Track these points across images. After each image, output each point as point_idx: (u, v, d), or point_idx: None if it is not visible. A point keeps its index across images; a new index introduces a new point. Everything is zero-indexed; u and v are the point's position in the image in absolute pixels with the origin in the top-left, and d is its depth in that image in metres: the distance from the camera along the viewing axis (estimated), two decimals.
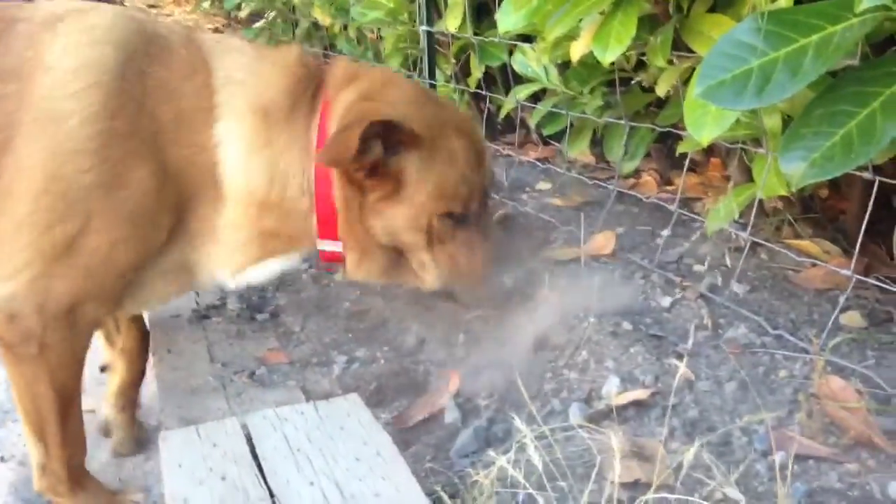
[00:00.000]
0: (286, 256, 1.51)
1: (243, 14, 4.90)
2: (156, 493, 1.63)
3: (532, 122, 2.67)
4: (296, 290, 2.19)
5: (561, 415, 1.49)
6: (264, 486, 1.24)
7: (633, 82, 2.33)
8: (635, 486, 1.28)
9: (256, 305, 2.12)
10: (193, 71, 1.38)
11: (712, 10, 1.77)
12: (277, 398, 1.73)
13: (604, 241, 2.06)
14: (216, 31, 5.26)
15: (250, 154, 1.39)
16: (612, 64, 1.93)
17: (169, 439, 1.42)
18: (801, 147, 1.31)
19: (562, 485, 1.28)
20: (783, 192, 1.72)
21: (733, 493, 1.25)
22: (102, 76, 1.31)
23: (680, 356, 1.51)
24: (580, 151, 2.57)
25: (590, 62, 1.97)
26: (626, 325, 1.65)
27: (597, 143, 2.55)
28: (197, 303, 2.14)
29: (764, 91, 1.31)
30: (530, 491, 1.21)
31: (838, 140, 1.28)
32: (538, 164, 2.64)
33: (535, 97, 2.62)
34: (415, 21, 2.93)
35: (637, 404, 1.46)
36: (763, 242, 1.79)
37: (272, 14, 4.40)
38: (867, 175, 1.49)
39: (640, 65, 2.16)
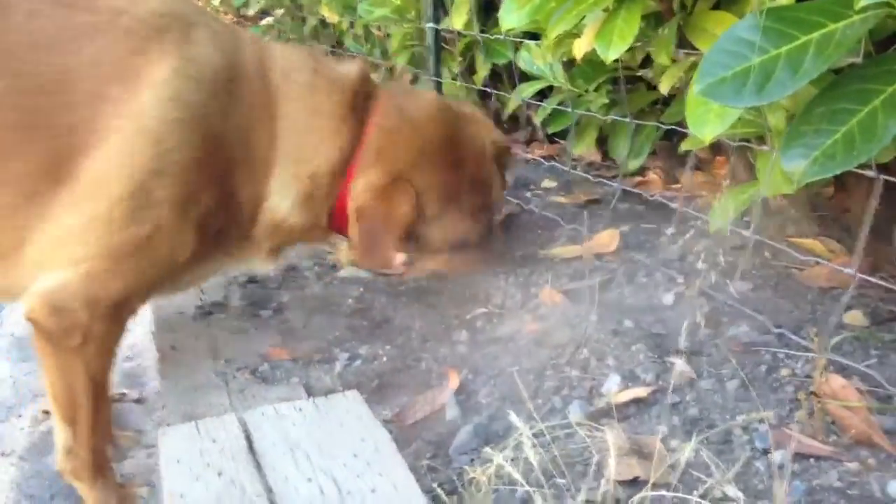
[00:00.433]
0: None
1: (252, 11, 4.91)
2: (159, 488, 1.64)
3: (537, 120, 2.67)
4: (299, 286, 2.20)
5: (561, 412, 1.49)
6: (262, 482, 1.25)
7: (638, 80, 2.33)
8: (634, 484, 1.28)
9: (260, 302, 2.13)
10: (263, 117, 1.47)
11: (716, 7, 1.76)
12: (280, 395, 1.73)
13: (607, 239, 2.06)
14: None
15: (295, 206, 1.53)
16: (617, 61, 1.93)
17: (168, 434, 1.43)
18: (802, 145, 1.30)
19: (560, 482, 1.28)
20: (787, 191, 1.71)
21: (732, 491, 1.25)
22: (192, 112, 1.36)
23: (681, 354, 1.51)
24: (585, 149, 2.57)
25: (595, 60, 1.96)
26: (628, 323, 1.65)
27: (602, 141, 2.54)
28: (201, 299, 2.15)
29: (765, 88, 1.30)
30: (528, 488, 1.21)
31: (840, 138, 1.27)
32: (543, 161, 2.64)
33: (541, 95, 2.62)
34: (421, 18, 2.93)
35: (637, 402, 1.46)
36: (766, 241, 1.78)
37: (280, 11, 4.41)
38: (871, 173, 1.48)
39: (646, 62, 2.15)
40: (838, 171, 1.27)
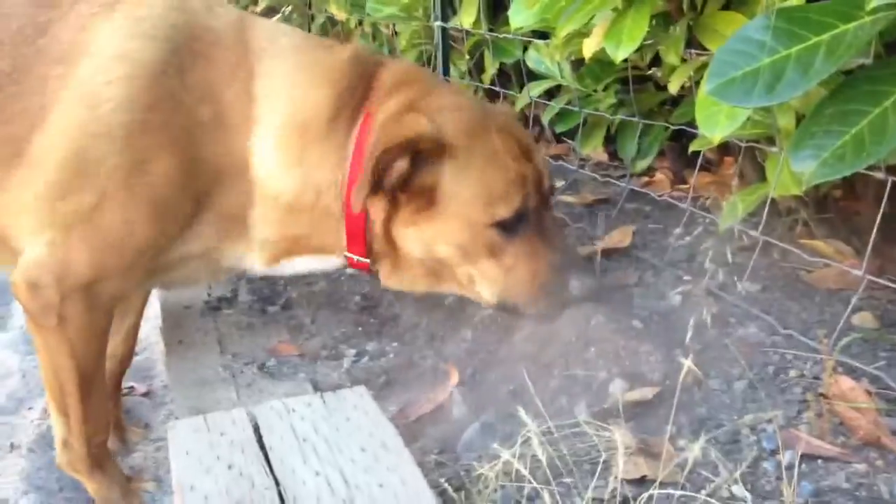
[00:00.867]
0: (322, 257, 1.53)
1: (259, 8, 4.92)
2: (167, 482, 1.65)
3: (545, 120, 2.66)
4: (307, 283, 2.20)
5: (568, 411, 1.49)
6: (270, 476, 1.25)
7: (646, 80, 2.33)
8: (641, 483, 1.28)
9: (268, 298, 2.14)
10: (236, 75, 1.40)
11: (726, 7, 1.76)
12: (287, 390, 1.74)
13: (620, 237, 2.06)
14: None
15: (284, 168, 1.42)
16: (626, 61, 1.93)
17: (177, 427, 1.43)
18: (812, 146, 1.30)
19: (567, 480, 1.28)
20: (796, 192, 1.71)
21: (740, 491, 1.25)
22: (141, 69, 1.35)
23: (689, 354, 1.51)
24: (593, 149, 2.57)
25: (604, 59, 1.96)
26: (636, 323, 1.65)
27: (610, 141, 2.54)
28: (209, 294, 2.16)
29: (774, 89, 1.30)
30: (535, 485, 1.21)
31: (850, 139, 1.27)
32: (551, 161, 2.64)
33: (549, 94, 2.62)
34: (429, 16, 2.93)
35: (645, 402, 1.46)
36: (775, 242, 1.78)
37: (288, 9, 4.42)
38: (880, 175, 1.48)
39: (655, 62, 2.15)
40: (848, 173, 1.27)
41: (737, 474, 1.26)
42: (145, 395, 1.97)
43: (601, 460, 1.30)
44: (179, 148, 1.37)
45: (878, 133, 1.25)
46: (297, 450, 1.31)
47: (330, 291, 2.14)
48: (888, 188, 1.47)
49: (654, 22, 1.79)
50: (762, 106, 1.53)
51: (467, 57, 2.92)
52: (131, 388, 1.98)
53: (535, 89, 2.55)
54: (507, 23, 2.23)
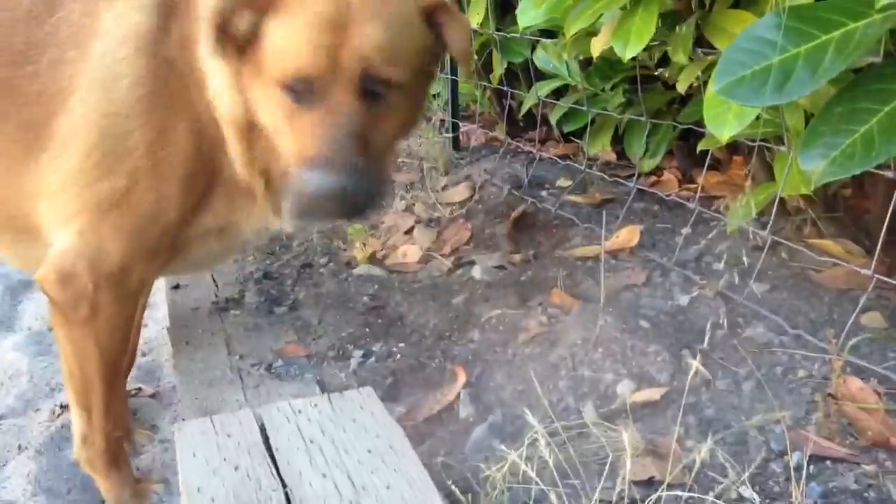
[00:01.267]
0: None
1: None
2: (174, 484, 1.65)
3: (553, 119, 2.66)
4: (314, 283, 2.20)
5: (575, 412, 1.49)
6: (277, 477, 1.25)
7: (654, 79, 2.32)
8: (649, 484, 1.27)
9: (275, 299, 2.14)
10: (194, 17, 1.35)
11: (734, 5, 1.75)
12: (294, 391, 1.74)
13: (628, 237, 2.05)
14: None
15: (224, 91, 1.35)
16: (634, 60, 1.92)
17: (184, 429, 1.43)
18: (821, 145, 1.30)
19: (574, 482, 1.28)
20: (805, 191, 1.70)
21: (748, 492, 1.24)
22: (142, 41, 1.35)
23: (697, 354, 1.50)
24: (601, 148, 2.56)
25: (611, 58, 1.95)
26: (644, 323, 1.64)
27: (618, 141, 2.53)
28: (216, 295, 2.16)
29: (784, 88, 1.29)
30: (542, 487, 1.21)
31: (859, 138, 1.26)
32: (559, 160, 2.63)
33: (557, 93, 2.61)
34: None
35: (652, 402, 1.45)
36: (784, 241, 1.77)
37: None
38: (890, 174, 1.47)
39: (663, 61, 2.14)
40: (857, 172, 1.27)
41: (745, 476, 1.25)
42: (153, 396, 1.98)
43: (608, 461, 1.29)
44: (184, 109, 1.37)
45: (888, 132, 1.24)
46: (304, 451, 1.31)
47: (337, 292, 2.13)
48: None
49: (661, 21, 1.78)
50: (771, 105, 1.52)
51: (475, 56, 2.92)
52: (139, 389, 1.98)
53: (543, 89, 2.54)
54: (514, 22, 2.23)
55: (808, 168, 1.30)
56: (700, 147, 2.00)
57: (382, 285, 2.13)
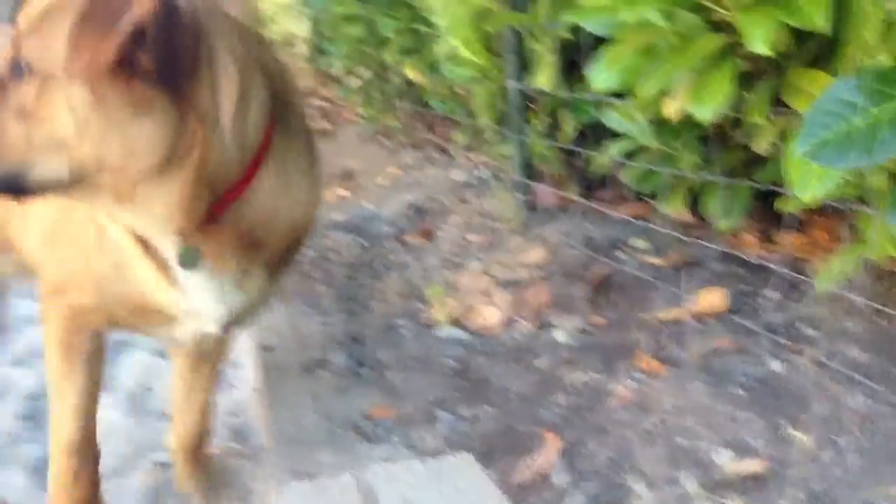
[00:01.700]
0: None
1: (334, 70, 5.07)
2: None
3: (626, 179, 2.67)
4: (395, 344, 2.24)
5: (674, 482, 1.48)
6: None
7: (728, 138, 2.32)
8: None
9: (359, 360, 2.17)
10: None
11: (811, 65, 1.76)
12: (383, 454, 1.76)
13: (711, 299, 2.04)
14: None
15: None
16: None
17: (283, 493, 1.47)
18: None
19: None
20: (893, 253, 1.68)
21: None
22: None
23: (797, 424, 1.49)
24: (676, 209, 2.56)
25: (684, 118, 1.97)
26: (736, 390, 1.64)
27: (693, 200, 2.54)
28: (304, 356, 2.21)
29: (872, 150, 1.30)
30: None
31: None
32: (633, 220, 2.64)
33: (628, 153, 2.63)
34: (504, 78, 2.98)
35: (753, 474, 1.44)
36: (877, 305, 1.75)
37: (365, 71, 4.55)
38: None
39: (736, 121, 2.15)
40: None
41: None
42: (243, 456, 2.01)
43: None
44: None
45: None
46: None
47: (420, 354, 2.16)
48: None
49: (735, 81, 1.80)
50: (856, 167, 1.52)
51: (544, 116, 2.96)
52: (229, 449, 2.02)
53: (614, 149, 2.57)
54: (581, 81, 2.26)
55: None
56: (784, 209, 2.00)
57: (465, 347, 2.15)
